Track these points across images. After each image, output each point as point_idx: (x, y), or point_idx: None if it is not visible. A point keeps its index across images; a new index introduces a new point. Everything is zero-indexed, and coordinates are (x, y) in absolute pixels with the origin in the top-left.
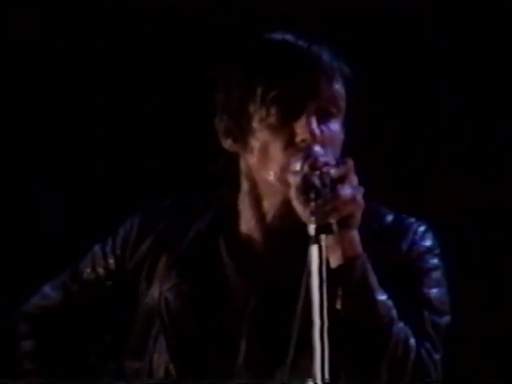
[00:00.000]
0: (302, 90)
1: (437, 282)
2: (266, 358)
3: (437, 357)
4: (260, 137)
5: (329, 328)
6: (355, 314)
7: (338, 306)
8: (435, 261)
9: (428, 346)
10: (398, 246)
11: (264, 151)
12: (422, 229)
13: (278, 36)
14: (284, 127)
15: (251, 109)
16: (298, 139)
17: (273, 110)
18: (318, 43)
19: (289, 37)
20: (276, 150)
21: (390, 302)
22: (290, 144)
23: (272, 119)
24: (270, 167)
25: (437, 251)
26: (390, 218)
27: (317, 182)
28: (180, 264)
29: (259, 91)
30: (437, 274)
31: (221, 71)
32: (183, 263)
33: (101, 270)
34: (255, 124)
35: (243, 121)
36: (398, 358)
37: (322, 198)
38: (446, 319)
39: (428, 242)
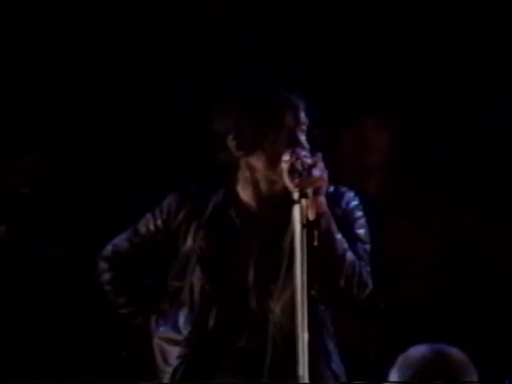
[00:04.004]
0: (288, 120)
1: (362, 226)
2: (267, 278)
3: (368, 269)
4: (269, 150)
5: (307, 257)
6: (324, 247)
7: (315, 243)
8: (361, 213)
9: (363, 263)
10: (339, 204)
11: (272, 158)
12: (351, 194)
13: (268, 92)
14: (279, 141)
15: (266, 134)
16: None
17: (273, 134)
18: (295, 94)
19: (275, 92)
20: (279, 156)
21: (343, 239)
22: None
23: (273, 138)
24: (275, 165)
25: (361, 207)
26: (331, 189)
27: (299, 167)
28: (206, 225)
29: (265, 122)
30: (362, 221)
31: (232, 109)
32: (208, 224)
33: (153, 228)
34: (266, 143)
35: (256, 142)
36: (349, 273)
37: (302, 177)
38: (369, 247)
39: (356, 202)
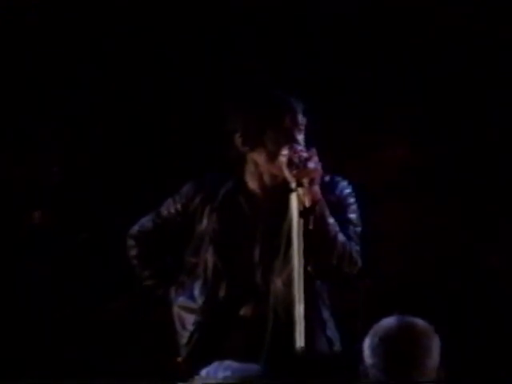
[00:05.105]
0: (286, 121)
1: (354, 211)
2: (270, 256)
3: (357, 248)
4: (269, 146)
5: (304, 238)
6: (319, 230)
7: (311, 227)
8: (353, 199)
9: (352, 243)
10: (334, 192)
11: (272, 153)
12: (345, 183)
13: (270, 96)
14: (278, 139)
15: (267, 133)
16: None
17: (273, 133)
18: (291, 96)
19: (276, 96)
20: (278, 151)
21: (335, 223)
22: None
23: (273, 137)
24: (274, 159)
25: (353, 194)
26: (327, 178)
27: (296, 160)
28: (218, 209)
29: (266, 123)
30: (354, 207)
31: (239, 111)
32: (220, 208)
33: (173, 211)
34: (267, 141)
35: (259, 139)
36: (340, 252)
37: (299, 169)
38: (360, 229)
39: (349, 190)
